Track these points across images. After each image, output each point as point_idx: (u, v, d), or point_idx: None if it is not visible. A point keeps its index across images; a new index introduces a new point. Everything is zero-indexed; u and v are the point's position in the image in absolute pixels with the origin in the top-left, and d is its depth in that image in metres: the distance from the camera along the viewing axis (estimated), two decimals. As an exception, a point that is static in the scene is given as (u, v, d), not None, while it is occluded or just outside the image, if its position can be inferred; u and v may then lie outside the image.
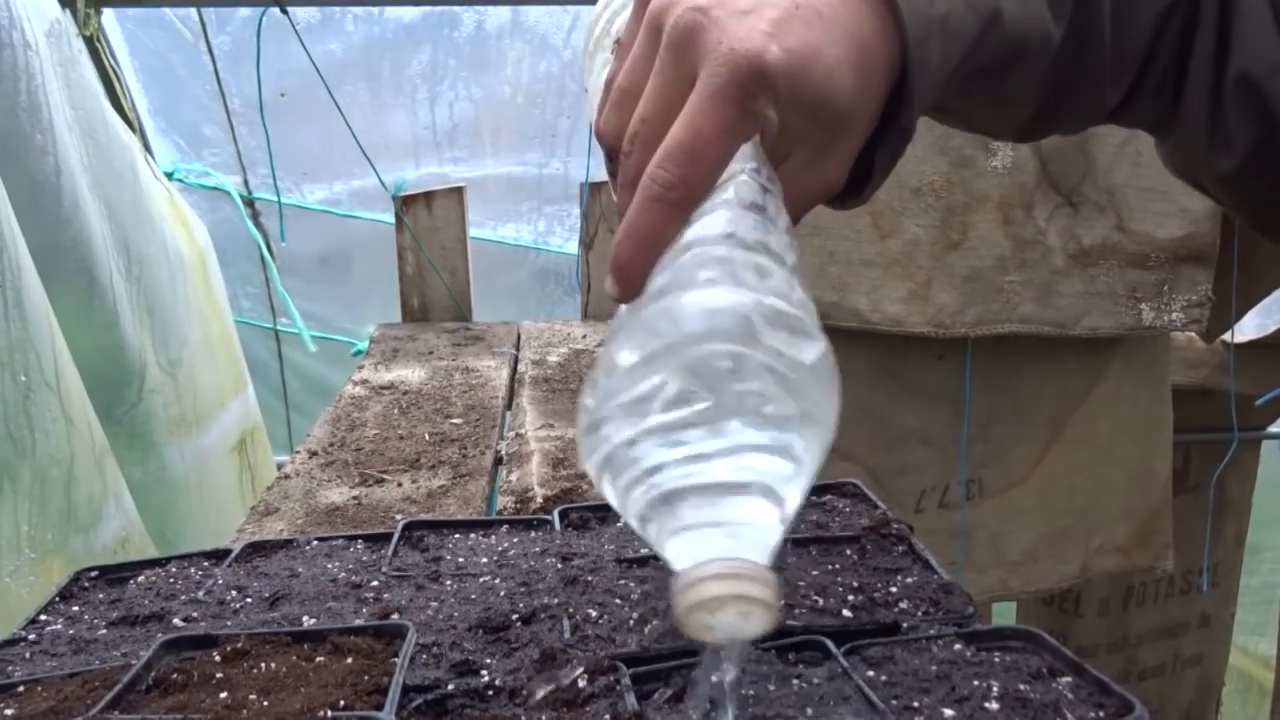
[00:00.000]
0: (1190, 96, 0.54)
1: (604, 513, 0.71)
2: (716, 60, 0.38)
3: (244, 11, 1.80)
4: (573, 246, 2.12)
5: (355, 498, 0.85)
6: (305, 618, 0.54)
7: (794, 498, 0.36)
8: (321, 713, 0.41)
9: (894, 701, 0.42)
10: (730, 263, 0.37)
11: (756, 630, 0.34)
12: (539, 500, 0.83)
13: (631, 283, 0.40)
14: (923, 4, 0.43)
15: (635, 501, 0.37)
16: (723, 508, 0.35)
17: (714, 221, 0.39)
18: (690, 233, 0.40)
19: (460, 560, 0.62)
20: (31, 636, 0.54)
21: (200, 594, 0.58)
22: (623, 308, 0.41)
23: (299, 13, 1.73)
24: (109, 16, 1.72)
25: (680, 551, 0.36)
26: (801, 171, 0.44)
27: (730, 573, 0.33)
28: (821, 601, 0.53)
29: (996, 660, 0.45)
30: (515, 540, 0.66)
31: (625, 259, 0.40)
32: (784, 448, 0.35)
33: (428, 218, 1.58)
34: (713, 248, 0.38)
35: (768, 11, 0.40)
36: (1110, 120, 0.58)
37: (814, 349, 0.36)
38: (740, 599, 0.33)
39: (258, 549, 0.66)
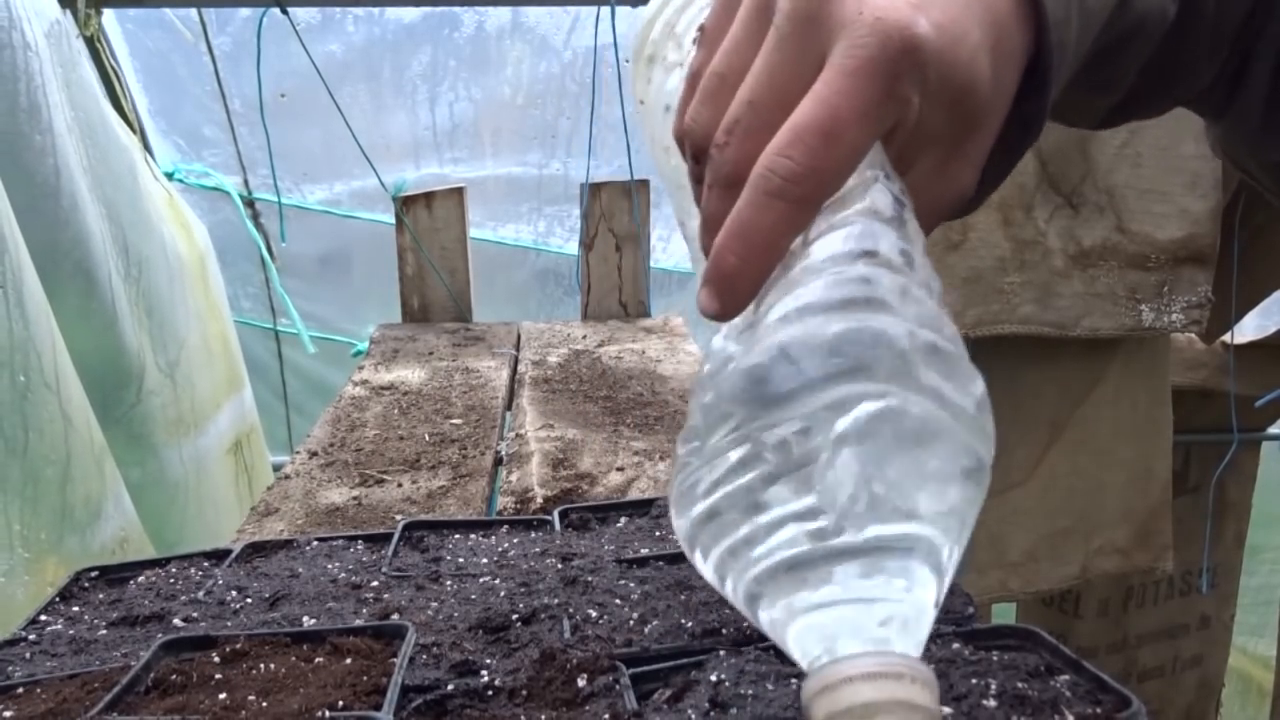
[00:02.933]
0: (1252, 75, 0.50)
1: (604, 513, 0.71)
2: (859, 30, 0.32)
3: (244, 12, 1.80)
4: (573, 247, 2.12)
5: (355, 498, 0.85)
6: (305, 618, 0.54)
7: (953, 566, 0.30)
8: (320, 713, 0.41)
9: (893, 701, 0.42)
10: (875, 284, 0.31)
11: None
12: (539, 501, 0.83)
13: (738, 296, 0.34)
14: None
15: (745, 571, 0.30)
16: (871, 581, 0.29)
17: (848, 234, 0.33)
18: (817, 246, 0.33)
19: (460, 560, 0.62)
20: (31, 637, 0.54)
21: (200, 594, 0.58)
22: (722, 330, 0.35)
23: (299, 13, 1.73)
24: (109, 17, 1.72)
25: (810, 638, 0.30)
26: (933, 177, 0.38)
27: (886, 671, 0.27)
28: (821, 602, 0.53)
29: (995, 659, 0.45)
30: (515, 540, 0.66)
31: (731, 268, 0.33)
32: (945, 507, 0.30)
33: (428, 218, 1.58)
34: (849, 266, 0.32)
35: None
36: (1192, 104, 0.54)
37: (974, 390, 0.31)
38: (899, 705, 0.27)
39: (258, 549, 0.66)
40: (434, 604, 0.55)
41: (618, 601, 0.53)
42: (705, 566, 0.32)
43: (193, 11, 1.82)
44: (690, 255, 0.47)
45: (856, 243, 0.32)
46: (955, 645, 0.47)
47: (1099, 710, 0.40)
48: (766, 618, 0.31)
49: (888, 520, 0.29)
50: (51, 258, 1.14)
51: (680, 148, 0.39)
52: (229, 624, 0.54)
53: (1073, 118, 0.53)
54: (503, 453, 0.97)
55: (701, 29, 0.39)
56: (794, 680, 0.44)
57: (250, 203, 2.07)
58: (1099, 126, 0.54)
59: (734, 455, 0.30)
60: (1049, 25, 0.37)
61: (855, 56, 0.32)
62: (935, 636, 0.48)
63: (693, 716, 0.41)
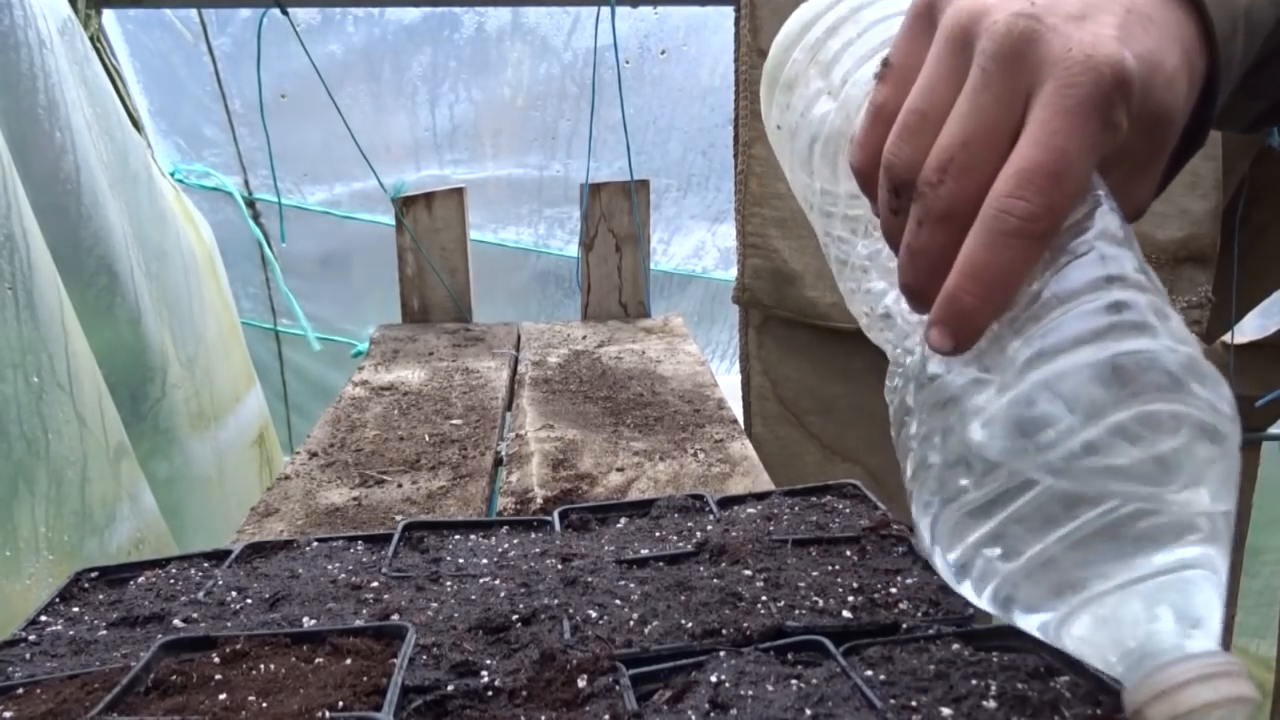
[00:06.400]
0: None
1: (603, 514, 0.71)
2: (1071, 69, 0.34)
3: (244, 13, 1.80)
4: (573, 249, 2.12)
5: (355, 499, 0.85)
6: (305, 619, 0.54)
7: (1228, 557, 0.33)
8: (320, 713, 0.41)
9: (892, 701, 0.42)
10: (1132, 307, 0.34)
11: None
12: (539, 501, 0.83)
13: (975, 333, 0.36)
14: None
15: (1013, 564, 0.33)
16: (1152, 560, 0.32)
17: (1091, 261, 0.35)
18: (1060, 276, 0.35)
19: (460, 561, 0.62)
20: (31, 637, 0.54)
21: (200, 595, 0.58)
22: (934, 358, 0.37)
23: (299, 14, 1.73)
24: (109, 17, 1.72)
25: (1120, 641, 0.32)
26: (1118, 193, 0.39)
27: (1214, 672, 0.30)
28: (822, 602, 0.53)
29: (995, 660, 0.45)
30: (515, 541, 0.66)
31: (969, 306, 0.35)
32: (1226, 502, 0.33)
33: (428, 219, 1.58)
34: (1103, 292, 0.34)
35: (1106, 17, 0.35)
36: None
37: (1226, 393, 0.34)
38: (1233, 701, 0.30)
39: (258, 550, 0.66)
40: (434, 604, 0.55)
41: (618, 602, 0.53)
42: (941, 556, 0.36)
43: (193, 12, 1.82)
44: (838, 272, 0.49)
45: (1103, 268, 0.35)
46: (955, 645, 0.47)
47: (1099, 711, 0.40)
48: (1036, 619, 0.33)
49: (1170, 508, 0.32)
50: (74, 254, 1.14)
51: (862, 179, 0.41)
52: (229, 624, 0.54)
53: (1222, 122, 0.53)
54: (503, 453, 0.97)
55: (886, 63, 0.40)
56: (794, 681, 0.44)
57: (250, 203, 2.07)
58: (1247, 130, 0.55)
59: (1013, 482, 0.33)
60: (1218, 43, 0.39)
61: (1071, 95, 0.34)
62: (935, 637, 0.48)
63: (693, 717, 0.41)
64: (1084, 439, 0.32)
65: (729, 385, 1.36)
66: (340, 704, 0.42)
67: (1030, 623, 0.34)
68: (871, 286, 0.47)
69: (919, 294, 0.38)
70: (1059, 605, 0.33)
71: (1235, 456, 0.33)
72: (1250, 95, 0.50)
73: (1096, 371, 0.33)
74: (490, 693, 0.45)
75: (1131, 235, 0.37)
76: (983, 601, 0.36)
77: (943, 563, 0.36)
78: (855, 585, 0.55)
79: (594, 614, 0.52)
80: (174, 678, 0.45)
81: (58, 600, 0.59)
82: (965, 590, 0.36)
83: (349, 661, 0.46)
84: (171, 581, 0.61)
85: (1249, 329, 1.87)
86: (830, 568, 0.58)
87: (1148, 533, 0.32)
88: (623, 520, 0.70)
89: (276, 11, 1.60)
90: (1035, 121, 0.34)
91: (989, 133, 0.35)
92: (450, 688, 0.45)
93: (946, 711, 0.41)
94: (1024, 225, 0.34)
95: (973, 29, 0.37)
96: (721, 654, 0.46)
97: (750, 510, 0.69)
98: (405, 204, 1.58)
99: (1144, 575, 0.32)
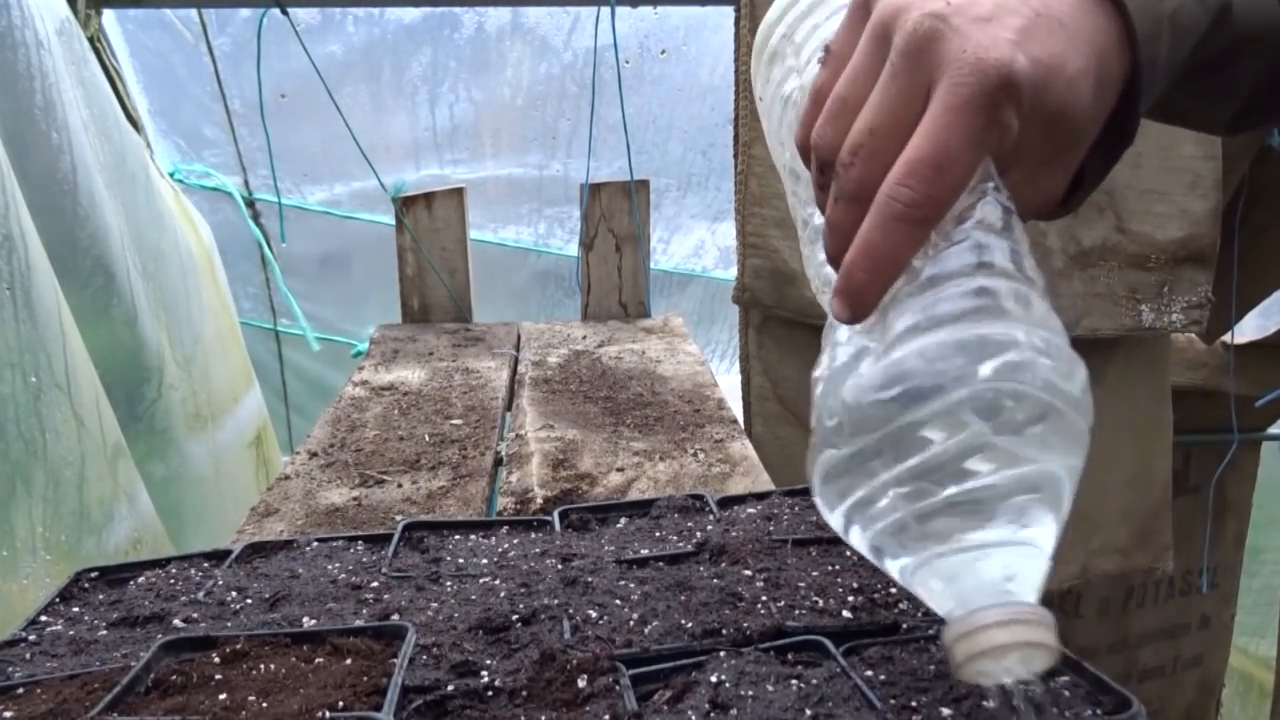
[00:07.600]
0: None
1: (603, 514, 0.71)
2: (962, 69, 0.37)
3: (244, 13, 1.80)
4: (573, 249, 2.12)
5: (355, 499, 0.85)
6: (305, 619, 0.54)
7: (1061, 523, 0.36)
8: (320, 714, 0.41)
9: (892, 701, 0.42)
10: (995, 294, 0.37)
11: (1038, 670, 0.34)
12: (539, 501, 0.83)
13: (868, 305, 0.39)
14: (1151, 1, 0.42)
15: (879, 521, 0.37)
16: (996, 532, 0.35)
17: (966, 248, 0.38)
18: (939, 259, 0.38)
19: (460, 561, 0.62)
20: (31, 637, 0.54)
21: (200, 595, 0.58)
22: (842, 329, 0.41)
23: (299, 14, 1.73)
24: (109, 17, 1.72)
25: (949, 589, 0.36)
26: (1023, 185, 0.42)
27: (1013, 619, 0.33)
28: (822, 602, 0.53)
29: (995, 661, 0.45)
30: (515, 541, 0.66)
31: (861, 282, 0.39)
32: (1058, 469, 0.36)
33: (428, 219, 1.58)
34: (969, 279, 0.37)
35: (1010, 20, 0.38)
36: None
37: (1078, 375, 0.36)
38: (1028, 645, 0.33)
39: (258, 550, 0.66)
40: (434, 604, 0.55)
41: (618, 602, 0.53)
42: (834, 518, 0.39)
43: (193, 12, 1.82)
44: (800, 234, 0.54)
45: (974, 255, 0.38)
46: (955, 646, 0.47)
47: (1099, 711, 0.40)
48: (900, 564, 0.37)
49: (1009, 480, 0.35)
50: (71, 255, 1.14)
51: (802, 154, 0.44)
52: (229, 624, 0.54)
53: (1195, 123, 0.56)
54: (503, 453, 0.97)
55: (827, 49, 0.44)
56: (794, 681, 0.44)
57: (250, 203, 2.07)
58: (1228, 132, 0.57)
59: (875, 441, 0.36)
60: (1139, 43, 0.41)
61: (958, 94, 0.37)
62: (935, 637, 0.48)
63: (693, 717, 0.41)
64: (930, 410, 0.35)
65: (729, 385, 1.36)
66: (340, 704, 0.42)
67: (891, 568, 0.38)
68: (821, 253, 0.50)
69: (837, 264, 0.41)
70: (910, 556, 0.37)
71: (1078, 439, 0.36)
72: (1216, 98, 0.52)
73: (950, 350, 0.35)
74: (490, 693, 0.45)
75: (1014, 225, 0.40)
76: (864, 550, 0.39)
77: (828, 513, 0.40)
78: (855, 585, 0.55)
79: (594, 614, 0.52)
80: (174, 678, 0.45)
81: (58, 600, 0.59)
82: (853, 539, 0.40)
83: (349, 661, 0.46)
84: (171, 581, 0.61)
85: (1249, 329, 1.87)
86: (830, 568, 0.58)
87: (985, 500, 0.35)
88: (623, 520, 0.70)
89: (276, 11, 1.60)
90: (928, 115, 0.37)
91: (894, 122, 0.38)
92: (450, 688, 0.45)
93: (946, 711, 0.41)
94: (908, 211, 0.37)
95: (891, 24, 0.39)
96: (721, 654, 0.46)
97: (750, 510, 0.69)
98: (405, 204, 1.58)
99: (978, 539, 0.35)
